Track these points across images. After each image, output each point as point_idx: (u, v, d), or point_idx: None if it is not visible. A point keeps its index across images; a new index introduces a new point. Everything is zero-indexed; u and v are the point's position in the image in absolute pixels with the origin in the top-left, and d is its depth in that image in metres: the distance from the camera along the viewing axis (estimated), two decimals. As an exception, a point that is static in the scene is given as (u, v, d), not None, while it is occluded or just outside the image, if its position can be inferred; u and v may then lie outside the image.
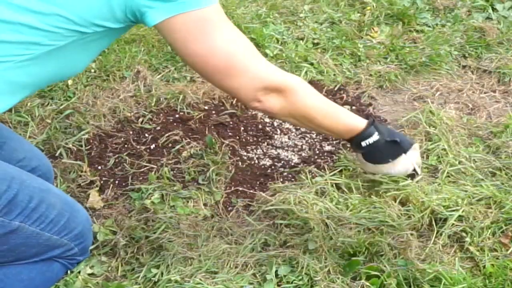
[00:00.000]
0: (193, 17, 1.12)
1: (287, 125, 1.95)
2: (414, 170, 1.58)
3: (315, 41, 2.40)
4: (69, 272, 1.40)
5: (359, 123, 1.42)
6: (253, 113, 1.99)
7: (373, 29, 2.52)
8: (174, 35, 1.14)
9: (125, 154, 1.81)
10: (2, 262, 1.28)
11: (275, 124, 1.96)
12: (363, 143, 1.43)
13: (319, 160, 1.80)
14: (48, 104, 1.99)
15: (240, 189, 1.70)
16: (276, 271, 1.41)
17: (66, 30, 1.12)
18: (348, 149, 1.81)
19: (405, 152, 1.51)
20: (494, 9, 2.66)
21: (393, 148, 1.49)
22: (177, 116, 1.97)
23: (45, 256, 1.31)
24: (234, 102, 2.05)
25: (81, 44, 1.16)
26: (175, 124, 1.93)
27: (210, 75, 1.22)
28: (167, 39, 1.18)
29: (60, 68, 1.20)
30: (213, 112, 2.01)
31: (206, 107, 2.03)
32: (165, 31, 1.15)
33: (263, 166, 1.79)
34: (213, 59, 1.17)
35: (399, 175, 1.58)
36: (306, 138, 1.90)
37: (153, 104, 2.01)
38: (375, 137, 1.43)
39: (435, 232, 1.50)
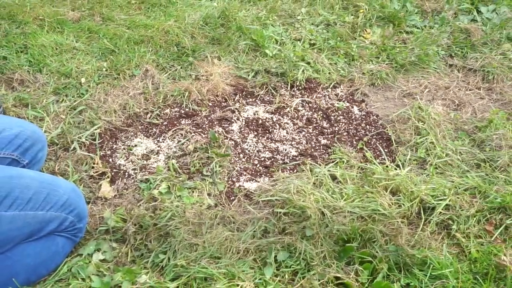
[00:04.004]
0: None
1: (285, 121, 1.94)
2: None
3: (312, 41, 2.39)
4: (82, 256, 1.41)
5: None
6: (254, 109, 1.98)
7: (365, 30, 2.50)
8: None
9: (134, 147, 1.81)
10: (4, 251, 1.28)
11: (274, 119, 1.95)
12: None
13: (315, 153, 1.80)
14: (62, 100, 1.99)
15: (242, 179, 1.70)
16: (275, 256, 1.41)
17: None
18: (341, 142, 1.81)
19: None
20: (479, 12, 2.65)
21: None
22: (183, 112, 1.96)
23: (43, 233, 1.31)
24: (236, 99, 2.04)
25: None
26: (181, 119, 1.93)
27: None
28: None
29: None
30: (217, 108, 2.00)
31: (210, 104, 2.02)
32: None
33: (263, 158, 1.79)
34: None
35: None
36: (303, 133, 1.90)
37: (160, 101, 2.00)
38: None
39: (424, 220, 1.51)
